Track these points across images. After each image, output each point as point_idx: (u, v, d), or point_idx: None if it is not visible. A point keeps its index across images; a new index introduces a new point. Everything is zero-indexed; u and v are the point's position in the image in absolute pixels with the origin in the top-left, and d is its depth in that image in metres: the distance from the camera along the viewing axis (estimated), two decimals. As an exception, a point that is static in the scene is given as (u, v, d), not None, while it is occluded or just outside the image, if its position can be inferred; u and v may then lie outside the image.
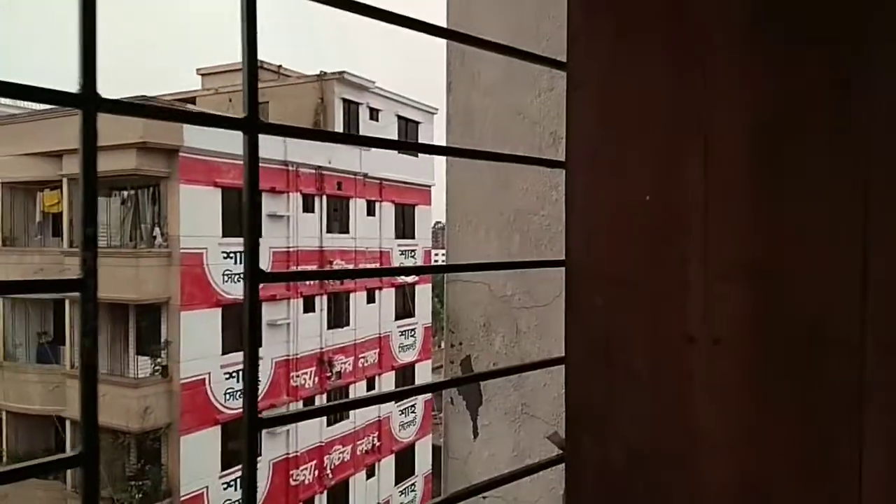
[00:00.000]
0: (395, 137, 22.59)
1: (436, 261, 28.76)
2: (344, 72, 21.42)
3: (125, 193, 17.29)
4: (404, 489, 22.90)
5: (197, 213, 16.96)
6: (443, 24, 1.57)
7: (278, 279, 0.94)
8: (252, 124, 0.82)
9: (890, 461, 0.89)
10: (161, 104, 16.79)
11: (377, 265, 21.51)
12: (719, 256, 0.98)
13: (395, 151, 22.60)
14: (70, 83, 0.67)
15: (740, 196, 0.97)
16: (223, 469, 17.26)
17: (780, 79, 0.95)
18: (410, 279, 22.70)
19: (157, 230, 17.15)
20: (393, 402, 22.40)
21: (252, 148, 0.83)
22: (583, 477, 1.10)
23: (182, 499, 16.46)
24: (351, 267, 19.55)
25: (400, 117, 23.23)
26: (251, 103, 0.83)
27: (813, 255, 0.92)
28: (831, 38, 0.95)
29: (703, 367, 0.99)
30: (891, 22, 0.88)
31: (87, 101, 0.67)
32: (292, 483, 19.19)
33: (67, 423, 17.45)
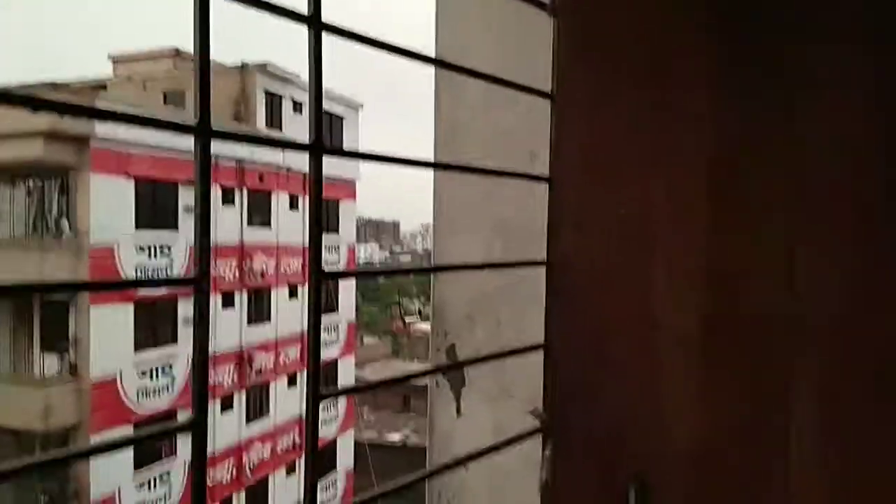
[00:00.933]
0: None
1: (359, 257, 28.61)
2: (266, 63, 21.03)
3: (30, 183, 16.37)
4: (325, 485, 22.76)
5: (108, 205, 16.26)
6: (430, 39, 1.74)
7: (337, 276, 1.09)
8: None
9: (813, 423, 1.15)
10: (72, 92, 15.98)
11: (300, 260, 21.25)
12: (681, 263, 1.21)
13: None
14: None
15: (697, 213, 1.21)
16: (136, 468, 16.66)
17: (733, 118, 1.19)
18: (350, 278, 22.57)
19: (64, 222, 16.33)
20: (314, 399, 22.18)
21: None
22: (565, 444, 1.31)
23: (92, 502, 15.78)
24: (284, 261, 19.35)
25: (325, 112, 23.00)
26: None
27: (754, 263, 1.17)
28: (775, 85, 1.19)
29: (667, 354, 1.22)
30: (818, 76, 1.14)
31: (203, 133, 0.81)
32: (209, 483, 18.73)
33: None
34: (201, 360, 0.84)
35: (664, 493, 1.21)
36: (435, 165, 1.56)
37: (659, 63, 1.23)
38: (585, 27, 1.31)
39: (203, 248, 0.84)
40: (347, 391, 1.33)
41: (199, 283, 0.82)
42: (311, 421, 0.97)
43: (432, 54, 1.66)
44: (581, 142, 1.32)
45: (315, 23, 0.96)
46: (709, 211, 1.20)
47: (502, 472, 1.59)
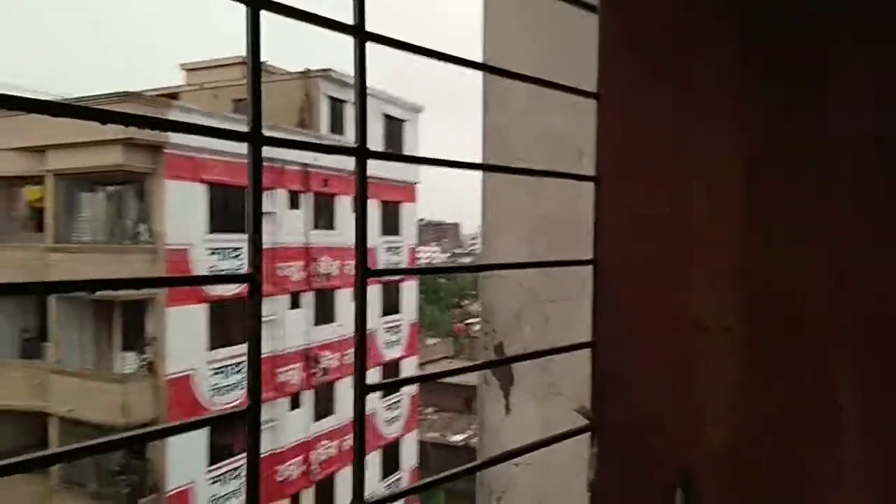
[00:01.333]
0: (380, 135, 22.74)
1: (419, 258, 28.86)
2: (329, 69, 21.52)
3: (110, 189, 17.28)
4: (389, 485, 23.08)
5: (182, 210, 16.98)
6: (478, 44, 1.78)
7: (382, 274, 1.14)
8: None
9: (860, 420, 1.12)
10: (147, 100, 16.77)
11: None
12: (720, 259, 1.21)
13: (381, 149, 22.75)
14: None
15: (734, 210, 1.20)
16: (210, 464, 17.33)
17: (763, 118, 1.18)
18: (396, 276, 22.91)
19: (141, 226, 17.16)
20: (378, 398, 22.59)
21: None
22: (610, 439, 1.32)
23: (168, 493, 16.51)
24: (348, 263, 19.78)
25: (385, 115, 23.37)
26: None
27: (793, 257, 1.15)
28: (801, 75, 1.17)
29: (708, 349, 1.21)
30: (847, 64, 1.12)
31: (256, 139, 0.87)
32: (278, 479, 19.31)
33: (52, 420, 17.40)
34: (255, 353, 0.90)
35: (709, 489, 1.21)
36: (481, 167, 1.60)
37: (694, 62, 1.23)
38: (627, 25, 1.32)
39: (255, 246, 0.90)
40: (393, 384, 1.37)
41: (252, 278, 0.88)
42: (358, 413, 1.02)
43: (479, 58, 1.69)
44: (625, 140, 1.33)
45: (360, 32, 1.01)
46: (748, 209, 1.19)
47: (551, 470, 1.61)
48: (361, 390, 1.01)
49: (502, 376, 1.68)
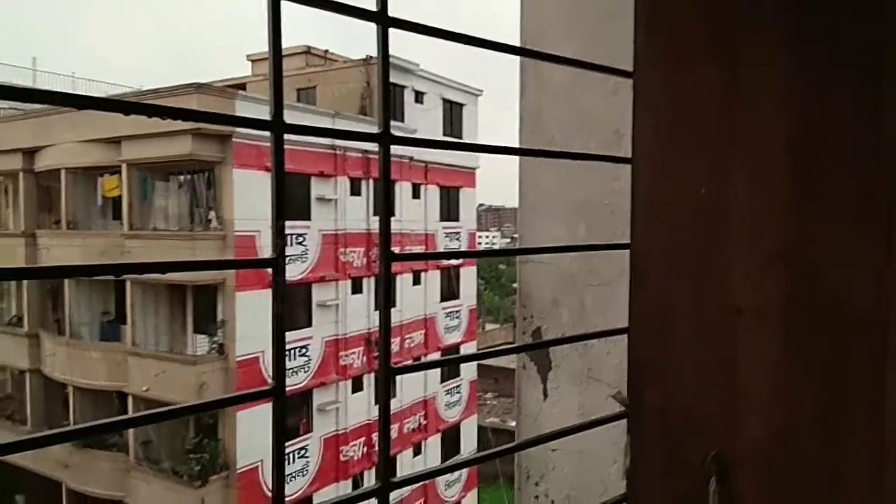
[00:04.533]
0: (440, 119, 22.78)
1: (480, 243, 28.86)
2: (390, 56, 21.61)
3: (182, 178, 17.95)
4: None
5: (250, 197, 17.47)
6: (516, 32, 1.76)
7: (404, 258, 1.16)
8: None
9: (908, 412, 1.07)
10: (215, 90, 17.30)
11: (423, 248, 21.80)
12: (759, 245, 1.16)
13: (441, 133, 22.79)
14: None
15: (776, 194, 1.15)
16: (277, 443, 17.90)
17: (811, 99, 1.12)
18: (456, 262, 23.00)
19: (212, 213, 17.76)
20: (439, 383, 22.82)
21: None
22: (644, 425, 1.30)
23: (238, 471, 17.19)
24: (409, 249, 19.97)
25: (445, 100, 23.37)
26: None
27: (838, 244, 1.10)
28: (854, 59, 1.11)
29: (745, 337, 1.18)
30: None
31: (277, 126, 0.90)
32: (342, 459, 19.81)
33: (129, 399, 18.34)
34: (279, 334, 0.93)
35: (745, 480, 1.18)
36: (516, 151, 1.59)
37: (734, 40, 1.18)
38: (662, 7, 1.27)
39: (279, 230, 0.92)
40: (418, 367, 1.38)
41: (276, 263, 0.91)
42: (382, 396, 1.04)
43: (517, 41, 1.67)
44: (660, 122, 1.29)
45: (382, 19, 1.02)
46: (789, 191, 1.14)
47: (588, 455, 1.60)
48: (386, 373, 1.03)
49: (540, 361, 1.67)
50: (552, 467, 1.66)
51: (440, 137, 21.69)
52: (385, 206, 1.04)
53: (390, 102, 1.04)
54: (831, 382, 1.11)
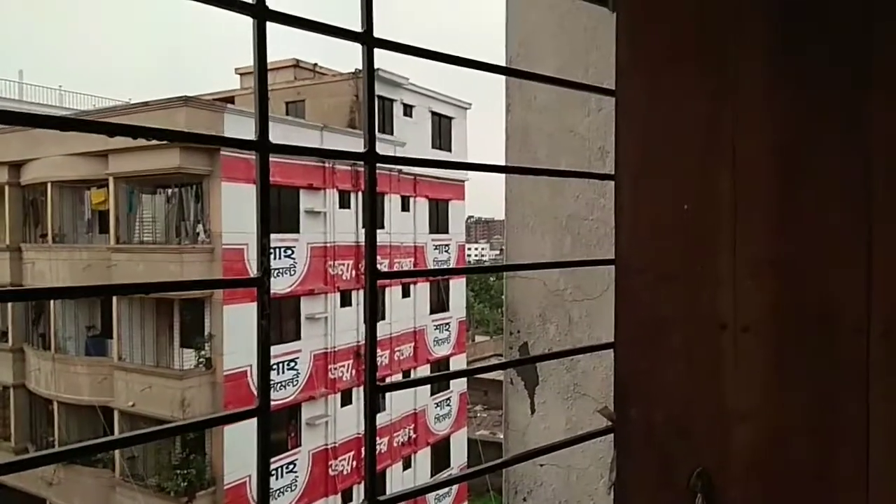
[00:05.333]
0: (429, 132, 22.85)
1: (469, 255, 28.90)
2: (378, 69, 21.64)
3: (169, 191, 17.85)
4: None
5: (238, 210, 17.40)
6: (501, 48, 1.78)
7: (391, 276, 1.16)
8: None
9: (891, 424, 1.08)
10: (204, 104, 17.28)
11: (412, 260, 21.78)
12: (746, 255, 1.18)
13: (430, 147, 22.85)
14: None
15: (763, 203, 1.17)
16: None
17: (797, 102, 1.14)
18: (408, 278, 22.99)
19: (199, 227, 17.67)
20: (428, 396, 22.72)
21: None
22: (630, 440, 1.31)
23: (226, 486, 16.99)
24: (398, 262, 19.94)
25: (434, 113, 23.46)
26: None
27: (825, 253, 1.11)
28: (841, 65, 1.13)
29: (732, 348, 1.19)
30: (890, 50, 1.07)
31: (263, 147, 0.90)
32: (331, 473, 19.65)
33: (115, 414, 18.11)
34: (264, 352, 0.93)
35: (731, 493, 1.18)
36: (500, 168, 1.60)
37: (717, 49, 1.20)
38: (644, 19, 1.29)
39: (264, 249, 0.92)
40: (404, 385, 1.38)
41: (261, 282, 0.91)
42: (369, 412, 1.04)
43: (502, 60, 1.69)
44: (644, 137, 1.31)
45: (367, 39, 1.02)
46: (775, 200, 1.16)
47: (575, 471, 1.60)
48: (372, 390, 1.04)
49: (527, 376, 1.68)
50: (540, 483, 1.66)
51: (429, 150, 21.76)
52: (371, 223, 1.05)
53: (375, 121, 1.05)
54: (819, 392, 1.12)
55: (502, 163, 1.71)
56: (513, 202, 1.71)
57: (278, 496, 18.40)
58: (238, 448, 16.96)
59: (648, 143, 1.31)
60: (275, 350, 18.27)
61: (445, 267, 13.87)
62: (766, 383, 1.17)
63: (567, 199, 1.63)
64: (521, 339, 1.70)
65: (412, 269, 20.81)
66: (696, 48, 1.25)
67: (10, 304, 20.42)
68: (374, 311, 1.05)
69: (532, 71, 1.48)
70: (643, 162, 1.31)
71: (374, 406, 1.03)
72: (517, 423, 1.70)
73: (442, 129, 23.93)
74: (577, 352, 1.54)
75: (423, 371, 22.70)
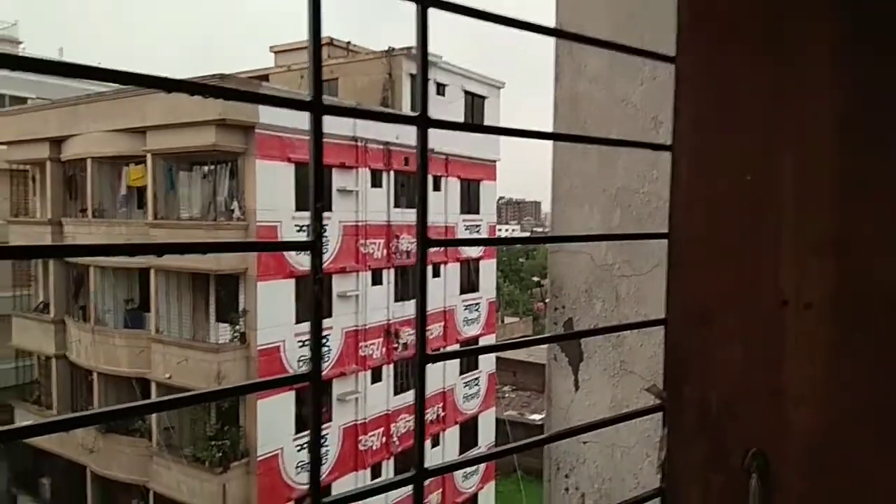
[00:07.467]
0: (462, 112, 22.70)
1: (500, 236, 28.79)
2: (411, 48, 21.58)
3: (205, 168, 18.09)
4: (467, 459, 23.30)
5: (272, 188, 17.58)
6: (551, 16, 1.72)
7: (441, 244, 1.14)
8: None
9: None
10: (239, 81, 17.40)
11: (442, 238, 21.77)
12: (808, 231, 1.12)
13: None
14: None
15: (828, 177, 1.11)
16: (297, 432, 18.07)
17: (863, 79, 1.08)
18: (475, 254, 22.92)
19: (234, 203, 17.90)
20: (457, 375, 22.83)
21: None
22: (682, 419, 1.27)
23: (259, 458, 17.37)
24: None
25: (467, 92, 23.29)
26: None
27: (888, 227, 1.06)
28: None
29: (794, 326, 1.14)
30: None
31: (317, 108, 0.88)
32: (361, 448, 19.93)
33: (152, 385, 18.58)
34: (316, 318, 0.92)
35: (787, 477, 1.14)
36: (552, 136, 1.55)
37: (779, 26, 1.14)
38: (707, -15, 1.24)
39: (317, 213, 0.91)
40: (453, 355, 1.38)
41: (314, 245, 0.89)
42: (418, 383, 1.02)
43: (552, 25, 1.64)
44: (703, 108, 1.25)
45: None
46: (838, 177, 1.10)
47: (620, 449, 1.57)
48: (422, 360, 1.02)
49: (571, 353, 1.65)
50: (583, 460, 1.63)
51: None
52: (422, 192, 1.02)
53: (427, 85, 1.02)
54: (882, 377, 1.07)
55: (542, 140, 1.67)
56: (560, 174, 1.67)
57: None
58: (270, 422, 17.31)
59: (708, 113, 1.25)
60: (308, 326, 18.54)
61: (490, 237, 13.68)
62: (826, 366, 1.12)
63: (617, 170, 1.58)
64: (566, 314, 1.66)
65: (461, 238, 20.67)
66: (761, 11, 1.19)
67: (52, 277, 21.00)
68: (424, 281, 1.03)
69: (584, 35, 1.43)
70: (702, 132, 1.26)
71: (422, 375, 1.02)
72: (560, 399, 1.67)
73: (475, 108, 23.76)
74: (626, 327, 1.50)
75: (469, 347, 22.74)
